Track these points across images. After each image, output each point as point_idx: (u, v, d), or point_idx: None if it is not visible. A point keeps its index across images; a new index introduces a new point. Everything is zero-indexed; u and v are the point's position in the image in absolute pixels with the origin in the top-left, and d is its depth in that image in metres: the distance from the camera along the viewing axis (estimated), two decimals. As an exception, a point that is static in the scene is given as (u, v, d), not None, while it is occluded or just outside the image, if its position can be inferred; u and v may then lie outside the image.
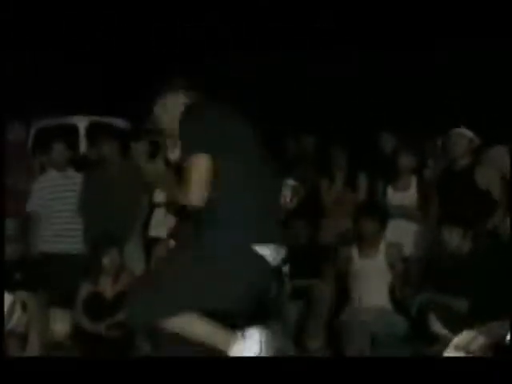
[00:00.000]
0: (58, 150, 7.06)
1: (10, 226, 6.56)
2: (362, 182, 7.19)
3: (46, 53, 8.80)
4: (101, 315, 6.12)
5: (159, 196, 6.90)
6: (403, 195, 6.83)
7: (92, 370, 1.37)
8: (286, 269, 6.44)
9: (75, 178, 7.09)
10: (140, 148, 7.33)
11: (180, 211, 6.58)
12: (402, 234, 6.66)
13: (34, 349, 5.25)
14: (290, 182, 7.09)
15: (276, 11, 10.07)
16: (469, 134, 6.46)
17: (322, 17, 9.91)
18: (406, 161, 6.82)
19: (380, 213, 6.53)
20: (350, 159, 7.24)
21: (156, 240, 6.76)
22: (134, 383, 1.73)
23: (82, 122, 8.04)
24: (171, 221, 6.59)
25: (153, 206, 7.01)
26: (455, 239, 5.87)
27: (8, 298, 5.74)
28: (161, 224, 6.86)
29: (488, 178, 6.32)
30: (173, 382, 1.85)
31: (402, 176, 6.85)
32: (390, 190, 6.89)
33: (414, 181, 6.84)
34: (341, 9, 9.86)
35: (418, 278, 6.46)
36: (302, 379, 1.79)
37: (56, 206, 6.98)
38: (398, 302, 6.29)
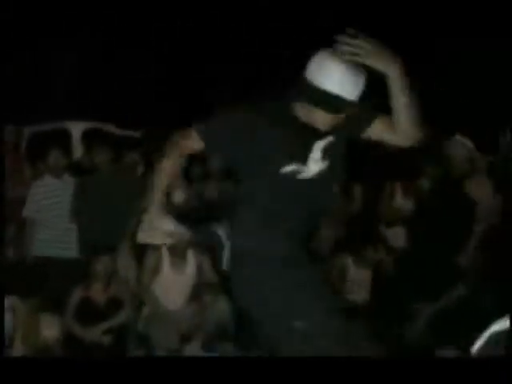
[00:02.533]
0: (55, 155, 7.07)
1: (5, 230, 6.56)
2: (357, 191, 7.19)
3: (41, 54, 8.79)
4: (92, 321, 6.11)
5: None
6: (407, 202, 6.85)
7: (87, 370, 1.36)
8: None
9: (71, 184, 7.10)
10: (133, 156, 7.37)
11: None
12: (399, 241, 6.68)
13: (18, 354, 5.24)
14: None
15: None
16: (467, 143, 6.45)
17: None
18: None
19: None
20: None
21: (149, 246, 6.75)
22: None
23: (75, 128, 8.05)
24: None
25: (143, 213, 6.99)
26: None
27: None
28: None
29: (479, 191, 6.31)
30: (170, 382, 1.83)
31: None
32: (398, 195, 6.91)
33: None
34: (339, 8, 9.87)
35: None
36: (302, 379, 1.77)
37: (51, 211, 6.99)
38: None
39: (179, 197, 7.14)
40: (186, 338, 6.08)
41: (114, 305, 6.23)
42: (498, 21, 8.73)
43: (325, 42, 2.89)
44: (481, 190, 6.28)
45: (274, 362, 1.92)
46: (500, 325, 1.44)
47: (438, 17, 9.83)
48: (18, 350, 5.16)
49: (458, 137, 6.44)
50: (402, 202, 6.91)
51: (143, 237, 3.89)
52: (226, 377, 1.75)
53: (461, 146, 6.39)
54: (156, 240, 3.73)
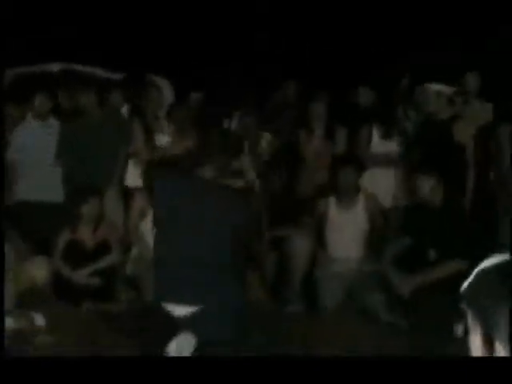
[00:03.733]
0: (40, 99, 7.03)
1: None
2: (341, 132, 7.20)
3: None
4: (80, 263, 6.14)
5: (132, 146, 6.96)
6: (387, 144, 6.89)
7: (92, 369, 1.37)
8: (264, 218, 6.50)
9: (55, 127, 7.07)
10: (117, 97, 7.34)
11: (151, 162, 6.60)
12: (380, 183, 6.73)
13: (10, 301, 5.28)
14: (266, 135, 7.16)
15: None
16: (437, 87, 6.49)
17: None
18: (387, 111, 6.88)
19: (358, 162, 6.54)
20: (330, 110, 7.24)
21: (132, 190, 6.78)
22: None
23: (58, 70, 7.97)
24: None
25: (128, 157, 7.03)
26: (426, 188, 5.89)
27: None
28: (135, 174, 6.88)
29: (464, 134, 6.37)
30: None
31: (385, 126, 6.90)
32: (375, 138, 6.95)
33: (397, 130, 6.91)
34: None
35: (394, 228, 6.55)
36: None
37: (36, 154, 6.96)
38: (373, 252, 6.35)
39: (162, 139, 7.16)
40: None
41: (102, 247, 6.27)
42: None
43: None
44: (465, 134, 6.35)
45: (274, 362, 1.95)
46: (487, 263, 1.42)
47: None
48: (8, 297, 5.20)
49: (427, 84, 6.50)
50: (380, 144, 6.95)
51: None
52: (222, 376, 1.78)
53: (436, 92, 6.44)
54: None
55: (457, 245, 5.49)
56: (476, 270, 1.42)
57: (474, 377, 1.37)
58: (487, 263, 1.41)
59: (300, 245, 6.23)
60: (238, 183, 6.64)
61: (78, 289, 6.03)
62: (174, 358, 4.02)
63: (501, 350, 1.35)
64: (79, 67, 8.05)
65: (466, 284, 1.43)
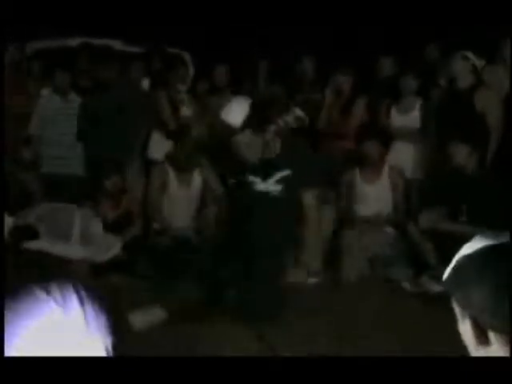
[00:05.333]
0: (61, 75, 7.05)
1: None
2: (363, 105, 7.11)
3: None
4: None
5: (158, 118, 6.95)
6: (406, 117, 6.80)
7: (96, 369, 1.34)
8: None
9: (76, 102, 7.08)
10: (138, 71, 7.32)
11: (175, 134, 6.59)
12: (404, 156, 6.66)
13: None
14: (298, 111, 7.06)
15: None
16: (471, 56, 6.39)
17: None
18: (408, 83, 6.78)
19: (383, 136, 6.50)
20: (352, 82, 7.15)
21: (154, 163, 6.77)
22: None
23: (78, 45, 7.95)
24: (168, 144, 6.61)
25: (150, 129, 7.03)
26: (462, 156, 5.87)
27: (9, 221, 5.78)
28: (159, 147, 6.87)
29: (486, 102, 6.28)
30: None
31: (406, 98, 6.81)
32: (393, 112, 6.87)
33: (417, 103, 6.81)
34: None
35: (419, 200, 6.50)
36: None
37: (58, 129, 6.98)
38: (398, 224, 6.31)
39: (186, 111, 7.14)
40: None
41: (124, 221, 6.26)
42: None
43: None
44: (488, 102, 6.26)
45: (273, 361, 1.91)
46: (468, 248, 1.38)
47: None
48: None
49: (461, 52, 6.41)
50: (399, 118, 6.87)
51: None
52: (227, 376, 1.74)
53: (464, 59, 6.35)
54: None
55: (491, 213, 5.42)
56: (457, 256, 1.38)
57: (473, 377, 1.34)
58: (468, 248, 1.37)
59: (326, 215, 6.19)
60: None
61: (101, 262, 6.03)
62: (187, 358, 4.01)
63: (491, 335, 1.32)
64: (99, 41, 8.02)
65: (448, 270, 1.40)
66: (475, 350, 1.36)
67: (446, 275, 1.40)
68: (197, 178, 6.50)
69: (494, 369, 1.32)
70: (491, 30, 7.14)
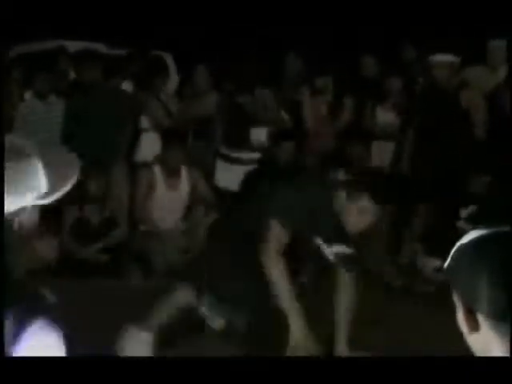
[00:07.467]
0: (42, 79, 6.99)
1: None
2: (348, 103, 7.13)
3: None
4: (88, 240, 6.13)
5: (146, 121, 6.92)
6: (391, 115, 6.84)
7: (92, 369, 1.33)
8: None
9: (57, 105, 7.02)
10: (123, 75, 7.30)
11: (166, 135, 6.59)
12: (386, 155, 6.70)
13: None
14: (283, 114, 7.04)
15: None
16: (449, 58, 6.43)
17: None
18: (392, 83, 6.82)
19: (365, 134, 6.53)
20: (336, 82, 7.17)
21: (142, 165, 6.75)
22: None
23: (59, 47, 7.91)
24: (157, 146, 6.60)
25: (139, 132, 6.99)
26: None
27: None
28: (148, 149, 6.85)
29: (470, 100, 6.32)
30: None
31: (391, 97, 6.84)
32: (379, 111, 6.90)
33: (400, 103, 6.84)
34: None
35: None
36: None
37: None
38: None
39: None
40: (185, 251, 6.09)
41: (110, 224, 6.25)
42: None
43: None
44: (472, 102, 6.30)
45: (273, 361, 1.91)
46: (465, 238, 1.42)
47: None
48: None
49: (438, 55, 6.45)
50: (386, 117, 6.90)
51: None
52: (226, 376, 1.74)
53: (444, 61, 6.39)
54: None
55: None
56: (456, 246, 1.42)
57: (473, 377, 1.36)
58: (466, 239, 1.41)
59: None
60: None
61: (87, 266, 6.01)
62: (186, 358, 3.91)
63: (483, 324, 1.35)
64: (81, 44, 7.99)
65: (448, 260, 1.43)
66: (468, 336, 1.39)
67: (445, 265, 1.44)
68: (184, 181, 6.49)
69: (494, 369, 1.33)
70: (469, 31, 7.21)
